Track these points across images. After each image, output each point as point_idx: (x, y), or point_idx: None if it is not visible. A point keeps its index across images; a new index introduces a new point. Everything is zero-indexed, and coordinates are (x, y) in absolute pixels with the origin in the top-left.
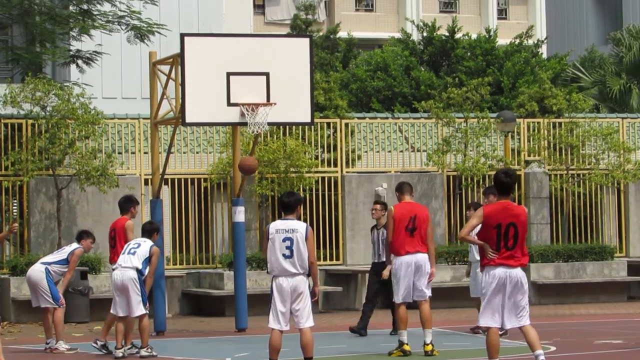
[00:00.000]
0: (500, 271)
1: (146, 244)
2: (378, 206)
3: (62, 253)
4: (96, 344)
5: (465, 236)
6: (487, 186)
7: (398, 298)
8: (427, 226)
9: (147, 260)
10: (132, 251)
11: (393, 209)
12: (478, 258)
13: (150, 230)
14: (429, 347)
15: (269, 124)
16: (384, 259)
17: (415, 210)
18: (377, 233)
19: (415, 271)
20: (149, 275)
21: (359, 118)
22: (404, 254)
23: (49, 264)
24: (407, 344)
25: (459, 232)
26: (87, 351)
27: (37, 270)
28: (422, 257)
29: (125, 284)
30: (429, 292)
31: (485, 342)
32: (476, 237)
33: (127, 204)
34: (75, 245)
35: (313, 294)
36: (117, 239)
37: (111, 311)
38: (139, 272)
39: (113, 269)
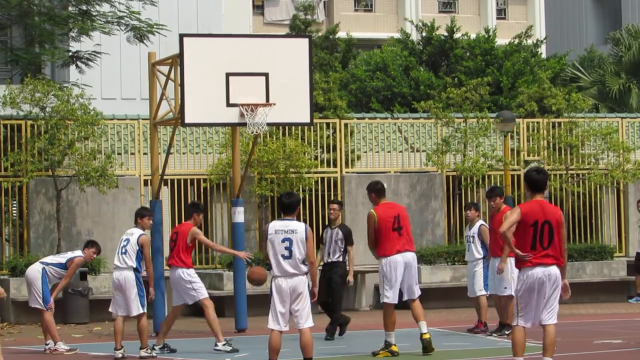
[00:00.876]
0: (538, 271)
1: (133, 237)
2: (336, 206)
3: (63, 257)
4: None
5: (507, 231)
6: (491, 186)
7: (388, 298)
8: (409, 224)
9: (140, 253)
10: (123, 250)
11: (374, 211)
12: (477, 257)
13: (136, 215)
14: (427, 335)
15: (268, 124)
16: (334, 259)
17: (398, 210)
18: (332, 232)
19: (405, 270)
20: (147, 267)
21: (358, 118)
22: (395, 253)
23: (47, 264)
24: (394, 345)
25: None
26: (86, 352)
27: (34, 270)
28: (412, 256)
29: (123, 284)
30: (419, 292)
31: (512, 339)
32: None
33: (190, 210)
34: (77, 252)
35: (312, 294)
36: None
37: (110, 309)
38: (135, 270)
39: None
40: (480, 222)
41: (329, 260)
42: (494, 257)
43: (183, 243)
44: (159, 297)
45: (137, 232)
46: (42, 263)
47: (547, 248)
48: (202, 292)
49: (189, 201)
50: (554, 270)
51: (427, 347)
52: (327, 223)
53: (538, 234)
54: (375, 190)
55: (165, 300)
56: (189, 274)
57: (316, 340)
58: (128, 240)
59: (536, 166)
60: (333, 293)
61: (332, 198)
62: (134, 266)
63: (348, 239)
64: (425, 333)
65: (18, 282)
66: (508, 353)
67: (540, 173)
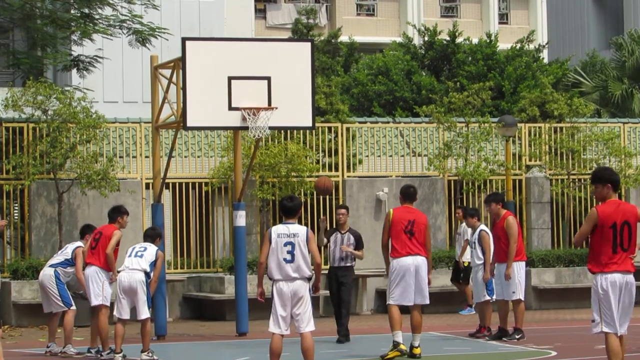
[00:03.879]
0: (618, 277)
1: (152, 248)
2: (344, 210)
3: (66, 252)
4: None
5: (581, 242)
6: (492, 192)
7: (394, 299)
8: (426, 233)
9: (154, 264)
10: (139, 254)
11: (392, 211)
12: (478, 262)
13: (153, 235)
14: (418, 350)
15: (270, 128)
16: (348, 264)
17: (414, 215)
18: (342, 237)
19: (415, 273)
20: (154, 279)
21: (360, 122)
22: (405, 255)
23: (57, 265)
24: (402, 344)
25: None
26: (87, 355)
27: (47, 275)
28: (422, 260)
29: (133, 286)
30: (428, 300)
31: (606, 350)
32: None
33: (114, 214)
34: (76, 244)
35: (315, 288)
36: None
37: (114, 313)
38: (147, 274)
39: (118, 271)
40: (482, 227)
41: (341, 265)
42: (499, 263)
43: (105, 244)
44: (160, 301)
45: (155, 246)
46: (53, 266)
47: (627, 250)
48: (108, 298)
49: (191, 204)
50: (632, 278)
51: (414, 356)
52: (334, 227)
53: (618, 236)
54: (403, 193)
55: (166, 303)
56: (103, 275)
57: (317, 344)
58: (146, 248)
59: (605, 167)
60: (343, 298)
61: (332, 202)
62: (147, 270)
63: (359, 243)
64: (417, 347)
65: (19, 284)
66: (509, 357)
67: (614, 174)
